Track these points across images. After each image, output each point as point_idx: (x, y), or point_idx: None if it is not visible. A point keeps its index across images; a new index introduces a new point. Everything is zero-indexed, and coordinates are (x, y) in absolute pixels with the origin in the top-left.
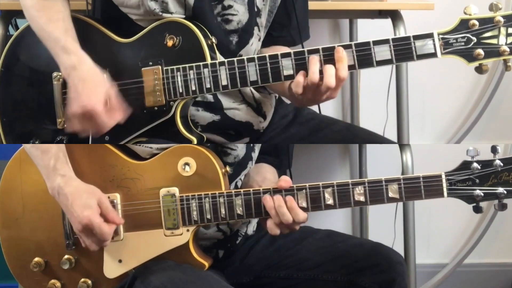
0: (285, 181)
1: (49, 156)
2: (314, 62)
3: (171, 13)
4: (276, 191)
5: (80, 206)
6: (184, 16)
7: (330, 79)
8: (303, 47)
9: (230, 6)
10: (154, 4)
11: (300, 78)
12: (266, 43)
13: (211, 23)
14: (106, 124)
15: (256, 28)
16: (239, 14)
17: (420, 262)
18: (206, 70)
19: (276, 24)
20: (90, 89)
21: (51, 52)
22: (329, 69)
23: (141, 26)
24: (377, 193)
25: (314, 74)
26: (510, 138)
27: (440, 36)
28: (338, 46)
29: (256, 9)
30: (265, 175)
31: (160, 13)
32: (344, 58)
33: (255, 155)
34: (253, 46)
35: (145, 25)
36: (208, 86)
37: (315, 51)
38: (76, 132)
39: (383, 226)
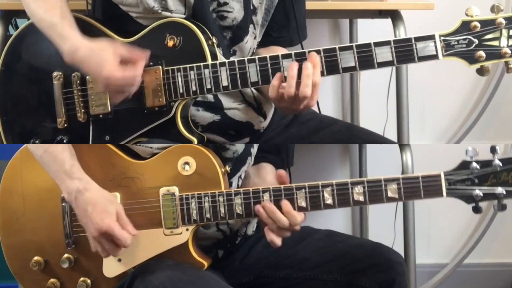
0: (284, 176)
1: (63, 161)
2: (292, 75)
3: (171, 11)
4: (275, 190)
5: (100, 213)
6: (184, 15)
7: (306, 89)
8: (302, 47)
9: (225, 3)
10: (153, 2)
11: (275, 82)
12: (265, 43)
13: (208, 20)
14: (135, 77)
15: (251, 26)
16: (235, 12)
17: (420, 262)
18: (206, 70)
19: (275, 24)
20: (98, 63)
21: (51, 41)
22: (306, 78)
23: (141, 25)
24: (376, 192)
25: (290, 88)
26: (510, 138)
27: (442, 38)
28: (310, 51)
29: (252, 7)
30: (265, 177)
31: (160, 11)
32: (317, 63)
33: (254, 150)
34: (248, 44)
35: (146, 23)
36: (208, 86)
37: (316, 52)
38: (122, 101)
39: (383, 226)
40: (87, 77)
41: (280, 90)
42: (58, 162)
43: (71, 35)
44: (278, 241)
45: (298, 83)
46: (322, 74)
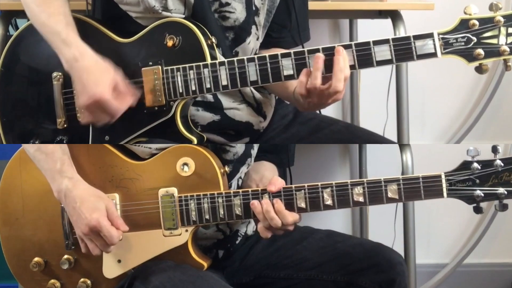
0: (274, 184)
1: (55, 159)
2: (317, 67)
3: (170, 10)
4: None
5: (89, 209)
6: (183, 15)
7: (338, 84)
8: (302, 45)
9: (227, 4)
10: (153, 1)
11: (303, 78)
12: (266, 45)
13: (209, 20)
14: (118, 110)
15: (254, 27)
16: (237, 12)
17: (420, 262)
18: (206, 70)
19: (276, 25)
20: (95, 78)
21: (53, 46)
22: (338, 73)
23: (141, 25)
24: (376, 193)
25: (316, 79)
26: (510, 138)
27: (440, 36)
28: (338, 46)
29: (254, 8)
30: (263, 173)
31: (160, 11)
32: (346, 57)
33: (254, 152)
34: (251, 45)
35: (145, 23)
36: (208, 86)
37: (315, 51)
38: (91, 123)
39: (383, 226)
40: None
41: (307, 86)
42: (49, 161)
43: (76, 42)
44: (268, 234)
45: (325, 77)
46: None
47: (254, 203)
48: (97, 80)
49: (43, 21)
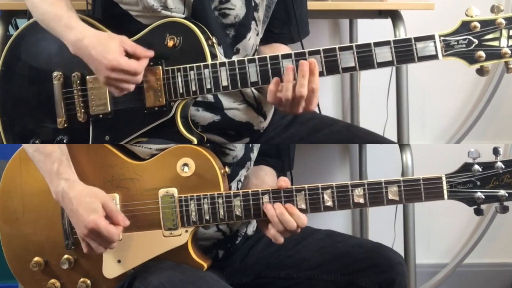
0: (284, 181)
1: (52, 160)
2: (288, 80)
3: (170, 9)
4: (275, 192)
5: (85, 210)
6: (183, 14)
7: (301, 89)
8: (302, 45)
9: (227, 1)
10: (152, 0)
11: (272, 87)
12: (267, 41)
13: (209, 18)
14: (137, 68)
15: (253, 22)
16: (236, 9)
17: (420, 262)
18: (206, 70)
19: (276, 21)
20: (103, 48)
21: (56, 34)
22: (301, 78)
23: (141, 24)
24: (376, 195)
25: (287, 92)
26: (510, 138)
27: (442, 38)
28: (309, 51)
29: (253, 4)
30: (263, 179)
31: (159, 10)
32: (315, 70)
33: (253, 155)
34: (251, 41)
35: (146, 22)
36: (208, 86)
37: (316, 52)
38: (117, 94)
39: (383, 226)
40: (87, 77)
41: (278, 94)
42: (47, 162)
43: (78, 24)
44: (281, 239)
45: (295, 85)
46: (322, 74)
47: (267, 206)
48: (105, 49)
49: (45, 9)
